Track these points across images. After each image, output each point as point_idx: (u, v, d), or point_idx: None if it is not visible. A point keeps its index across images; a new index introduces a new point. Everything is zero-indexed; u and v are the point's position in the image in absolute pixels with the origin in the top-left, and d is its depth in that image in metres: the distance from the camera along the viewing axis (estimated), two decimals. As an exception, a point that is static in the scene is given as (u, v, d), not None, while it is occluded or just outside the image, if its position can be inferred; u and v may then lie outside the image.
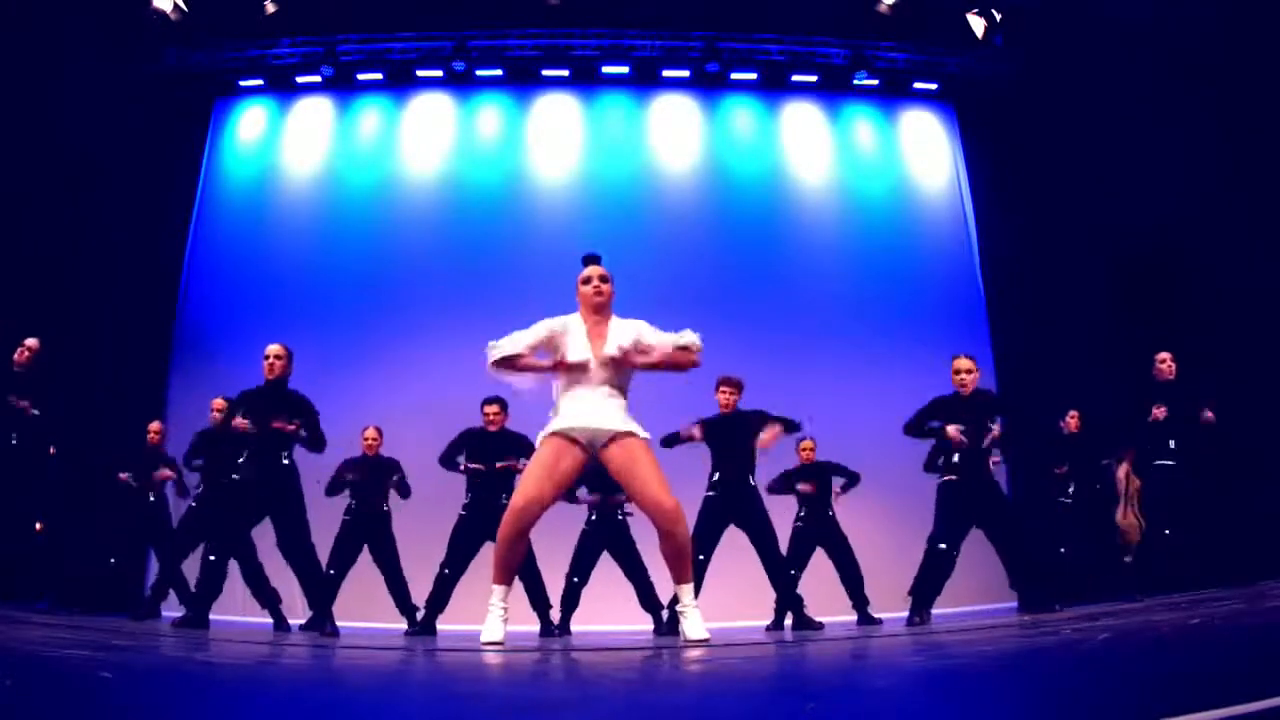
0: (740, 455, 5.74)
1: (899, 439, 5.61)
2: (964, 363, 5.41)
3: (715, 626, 5.44)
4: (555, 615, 5.92)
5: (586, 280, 3.88)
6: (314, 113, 9.93)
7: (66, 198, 8.39)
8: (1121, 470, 6.21)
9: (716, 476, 5.73)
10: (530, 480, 3.65)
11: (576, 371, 3.73)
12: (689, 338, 3.76)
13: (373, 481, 6.42)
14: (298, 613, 5.94)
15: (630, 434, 3.68)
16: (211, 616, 5.08)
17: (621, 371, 3.79)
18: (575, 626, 6.12)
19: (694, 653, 3.00)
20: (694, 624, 3.61)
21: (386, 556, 6.32)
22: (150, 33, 8.70)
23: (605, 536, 6.15)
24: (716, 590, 5.58)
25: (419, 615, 5.87)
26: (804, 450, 6.59)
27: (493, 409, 5.96)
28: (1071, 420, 7.03)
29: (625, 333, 3.81)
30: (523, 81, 9.87)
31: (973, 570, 6.61)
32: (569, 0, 9.26)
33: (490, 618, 3.63)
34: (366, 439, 6.53)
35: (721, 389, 5.86)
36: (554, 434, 3.69)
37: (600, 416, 3.70)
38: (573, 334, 3.80)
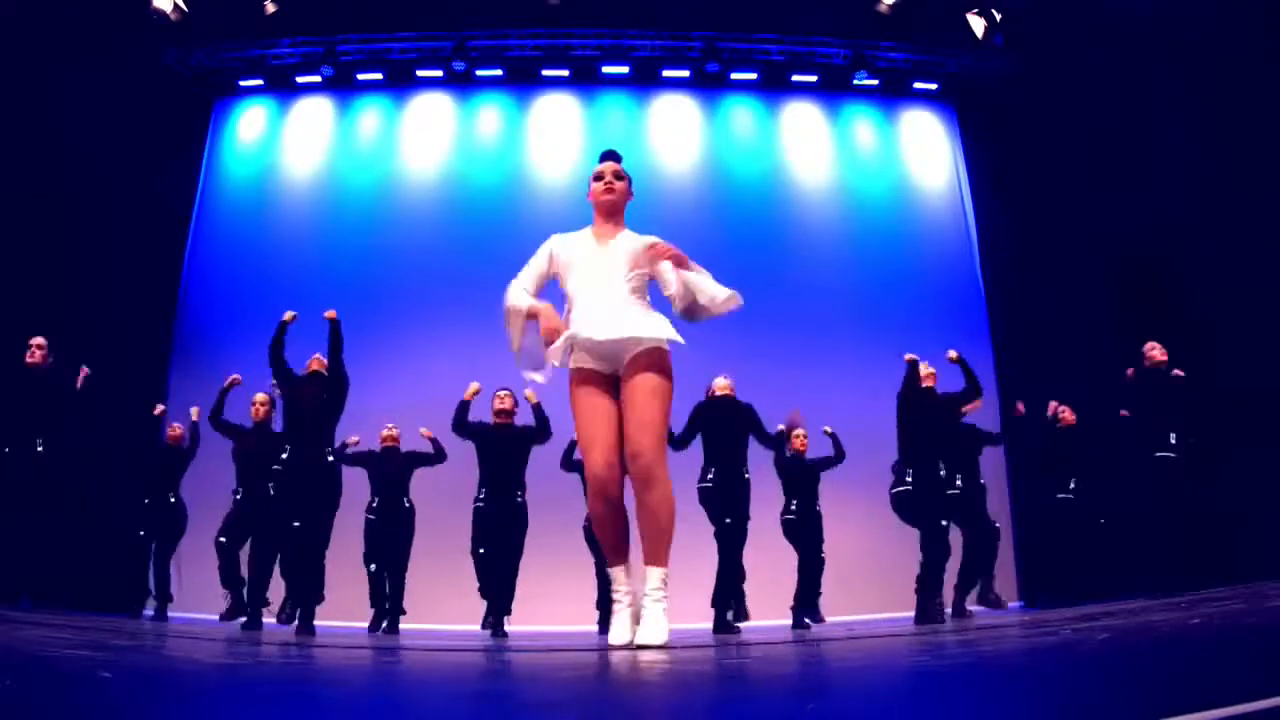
0: (736, 446, 5.66)
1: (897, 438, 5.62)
2: (927, 368, 5.70)
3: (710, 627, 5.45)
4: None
5: (598, 176, 3.40)
6: (314, 113, 9.93)
7: (66, 198, 8.39)
8: None
9: (711, 471, 5.63)
10: (587, 436, 3.13)
11: (584, 289, 3.23)
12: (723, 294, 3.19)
13: (395, 475, 6.47)
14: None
15: (651, 351, 3.09)
16: (211, 616, 5.09)
17: (638, 274, 3.23)
18: (569, 626, 6.12)
19: (693, 653, 2.99)
20: (651, 621, 3.01)
21: (399, 554, 6.32)
22: (150, 33, 8.70)
23: None
24: (709, 590, 5.56)
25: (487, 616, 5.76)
26: (796, 438, 6.48)
27: (505, 403, 5.80)
28: (1066, 413, 6.93)
29: (638, 244, 3.28)
30: (523, 81, 9.87)
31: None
32: (569, 0, 9.25)
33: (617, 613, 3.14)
34: (385, 439, 6.62)
35: (720, 377, 5.85)
36: (575, 373, 3.20)
37: (616, 326, 3.10)
38: (577, 250, 3.32)
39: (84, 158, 8.36)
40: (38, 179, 8.19)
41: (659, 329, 3.16)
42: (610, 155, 3.49)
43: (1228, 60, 7.75)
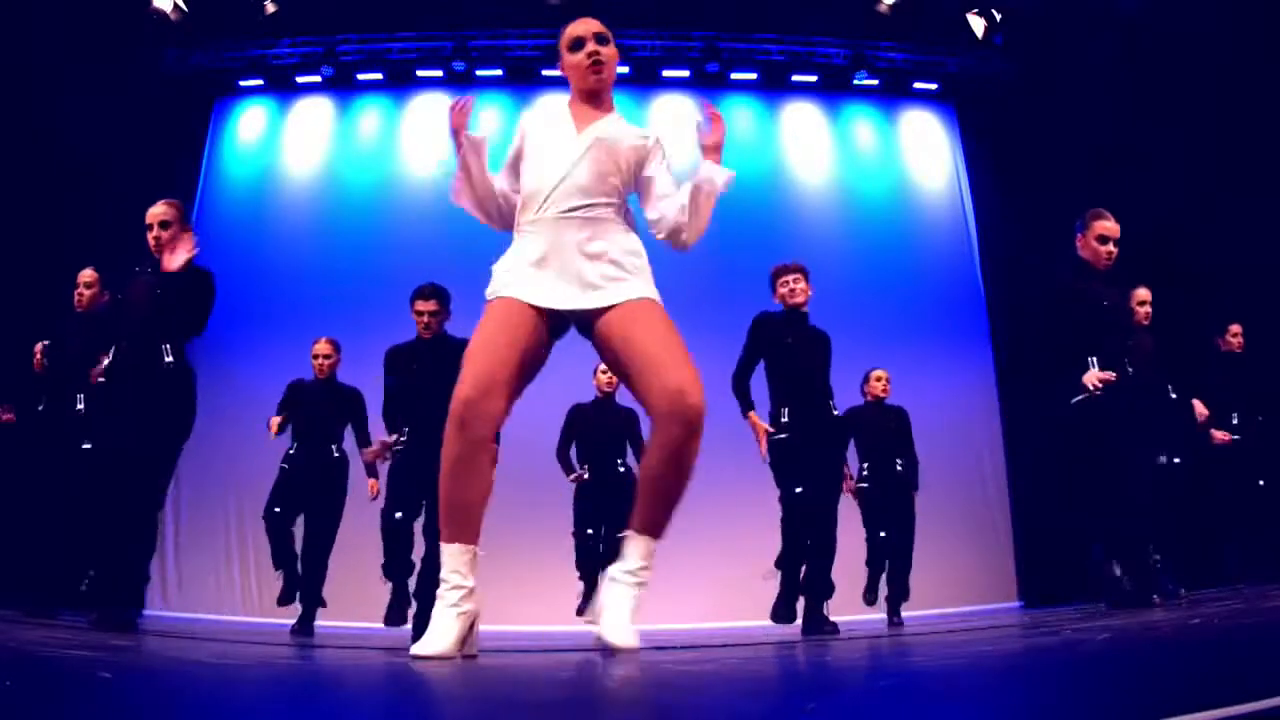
0: (818, 376, 4.29)
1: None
2: (1112, 226, 3.93)
3: (717, 626, 5.43)
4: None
5: (577, 44, 2.56)
6: (314, 113, 9.94)
7: (66, 198, 8.39)
8: None
9: (786, 413, 4.21)
10: (476, 359, 2.36)
11: (542, 191, 2.52)
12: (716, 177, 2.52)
13: (324, 415, 5.15)
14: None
15: (634, 300, 2.41)
16: (210, 616, 5.04)
17: (618, 181, 2.56)
18: (560, 627, 6.04)
19: (690, 653, 2.99)
20: (625, 614, 2.27)
21: (326, 517, 5.03)
22: (150, 33, 8.70)
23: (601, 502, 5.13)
24: (713, 588, 5.52)
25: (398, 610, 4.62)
26: (876, 380, 5.46)
27: (429, 306, 4.40)
28: (1234, 338, 6.03)
29: (628, 138, 2.58)
30: (523, 81, 9.88)
31: (973, 570, 6.58)
32: (569, 0, 9.25)
33: (441, 610, 2.21)
34: (317, 356, 5.23)
35: (783, 279, 4.35)
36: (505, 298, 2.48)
37: (582, 291, 2.43)
38: (547, 134, 2.55)
39: (84, 158, 8.35)
40: (37, 179, 8.18)
41: (637, 284, 2.50)
42: (586, 13, 2.68)
43: (1228, 59, 7.74)
